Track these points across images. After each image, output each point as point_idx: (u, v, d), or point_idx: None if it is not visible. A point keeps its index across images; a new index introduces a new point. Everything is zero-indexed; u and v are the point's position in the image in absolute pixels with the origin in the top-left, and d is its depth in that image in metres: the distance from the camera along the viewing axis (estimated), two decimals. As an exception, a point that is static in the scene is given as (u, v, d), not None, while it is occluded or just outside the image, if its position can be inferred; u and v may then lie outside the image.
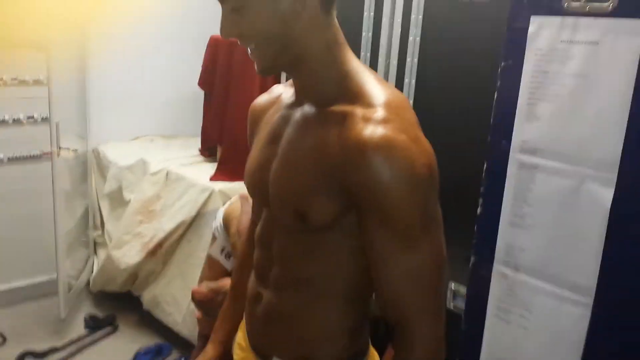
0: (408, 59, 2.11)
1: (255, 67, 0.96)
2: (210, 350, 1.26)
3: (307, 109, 0.98)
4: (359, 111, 0.88)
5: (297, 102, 1.01)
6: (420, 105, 2.04)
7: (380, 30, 2.18)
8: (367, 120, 0.86)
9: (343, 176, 0.87)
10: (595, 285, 1.23)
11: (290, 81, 1.06)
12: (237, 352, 1.20)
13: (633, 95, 1.15)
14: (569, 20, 1.22)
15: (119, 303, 3.13)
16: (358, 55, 2.22)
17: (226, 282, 1.77)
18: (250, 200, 1.84)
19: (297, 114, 0.99)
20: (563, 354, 1.29)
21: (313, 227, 0.93)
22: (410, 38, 2.08)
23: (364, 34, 2.23)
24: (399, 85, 2.13)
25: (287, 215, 0.96)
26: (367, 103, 0.89)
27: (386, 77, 2.19)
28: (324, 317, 1.02)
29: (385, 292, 0.91)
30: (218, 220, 2.18)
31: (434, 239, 0.89)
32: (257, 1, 0.90)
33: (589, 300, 1.24)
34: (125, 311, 3.10)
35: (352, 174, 0.85)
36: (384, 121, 0.85)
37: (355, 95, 0.91)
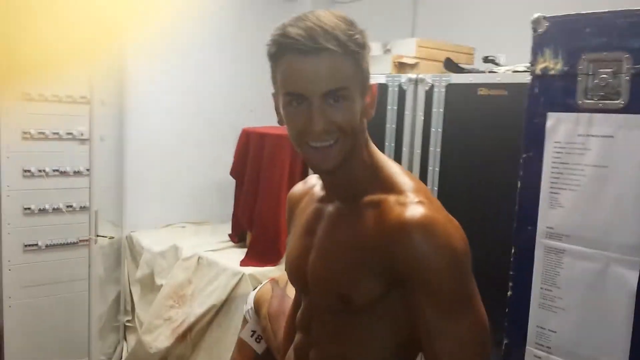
0: (431, 148, 2.23)
1: (323, 164, 0.98)
2: None
3: (339, 203, 1.07)
4: (392, 198, 0.97)
5: (328, 199, 1.09)
6: (444, 191, 2.13)
7: (403, 122, 2.32)
8: (402, 204, 0.95)
9: (385, 256, 0.94)
10: (627, 365, 1.27)
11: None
12: None
13: (649, 183, 1.24)
14: (584, 116, 1.33)
15: (148, 389, 3.13)
16: (383, 144, 2.36)
17: None
18: (281, 284, 1.91)
19: (330, 208, 1.08)
20: None
21: (355, 308, 1.00)
22: (433, 129, 2.22)
23: (387, 125, 2.37)
24: (423, 172, 2.23)
25: (329, 298, 1.03)
26: (398, 190, 0.99)
27: (411, 166, 2.30)
28: None
29: (435, 356, 0.95)
30: (249, 304, 2.23)
31: (476, 309, 0.95)
32: (355, 96, 0.96)
33: (622, 381, 1.28)
34: (155, 398, 3.09)
35: (395, 252, 0.93)
36: (420, 203, 0.95)
37: (385, 186, 1.00)
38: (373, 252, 0.96)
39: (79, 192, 3.15)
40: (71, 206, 3.18)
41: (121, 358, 3.24)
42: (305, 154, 1.00)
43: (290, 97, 0.96)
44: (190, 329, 2.83)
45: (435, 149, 2.22)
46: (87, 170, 2.92)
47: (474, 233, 1.90)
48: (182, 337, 2.84)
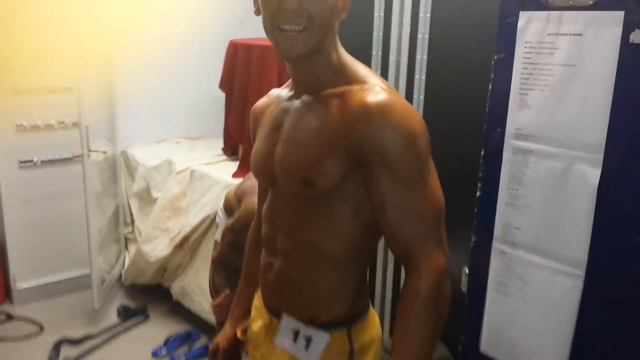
0: (418, 56, 2.21)
1: (289, 50, 1.04)
2: (228, 328, 1.39)
3: (306, 97, 1.12)
4: (356, 87, 1.05)
5: (296, 95, 1.15)
6: (430, 99, 2.14)
7: (390, 30, 2.29)
8: (365, 90, 1.03)
9: (349, 139, 1.02)
10: (586, 258, 1.33)
11: (287, 83, 1.21)
12: (253, 312, 1.33)
13: (615, 81, 1.24)
14: (555, 14, 1.32)
15: (149, 295, 3.30)
16: (370, 53, 2.34)
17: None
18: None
19: (297, 103, 1.14)
20: (558, 323, 1.39)
21: (318, 192, 1.07)
22: (419, 36, 2.19)
23: (374, 33, 2.34)
24: (410, 81, 2.23)
25: (295, 184, 1.09)
26: (361, 82, 1.06)
27: (397, 74, 2.29)
28: (326, 280, 1.15)
29: (391, 231, 1.04)
30: (219, 208, 2.27)
31: (431, 183, 1.03)
32: None
33: (581, 272, 1.34)
34: (156, 302, 3.26)
35: (358, 134, 1.01)
36: (382, 90, 1.02)
37: (350, 80, 1.07)
38: (337, 134, 1.03)
39: (70, 108, 3.16)
40: (63, 122, 3.20)
41: (123, 267, 3.38)
42: (275, 39, 1.05)
43: None
44: (186, 238, 2.93)
45: (422, 56, 2.21)
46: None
47: (457, 139, 1.94)
48: (180, 246, 2.95)
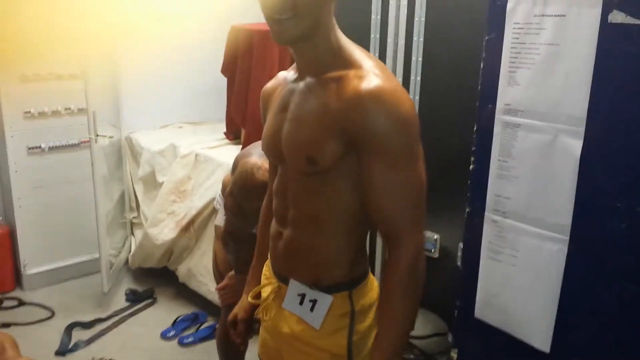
0: (414, 38, 2.30)
1: (279, 36, 1.12)
2: (245, 299, 1.50)
3: (309, 79, 1.21)
4: (352, 72, 1.12)
5: (300, 77, 1.24)
6: (427, 82, 2.23)
7: (388, 13, 2.37)
8: (359, 77, 1.11)
9: (344, 123, 1.11)
10: (570, 224, 1.43)
11: (292, 66, 1.29)
12: (262, 280, 1.44)
13: (595, 58, 1.34)
14: (541, -3, 1.41)
15: (156, 278, 3.40)
16: (368, 36, 2.43)
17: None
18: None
19: (301, 85, 1.23)
20: (545, 285, 1.50)
21: (321, 169, 1.17)
22: (416, 19, 2.28)
23: (373, 16, 2.43)
24: (407, 63, 2.31)
25: (300, 162, 1.19)
26: (357, 67, 1.14)
27: (395, 57, 2.38)
28: (329, 247, 1.26)
29: (376, 209, 1.15)
30: (217, 193, 2.31)
31: (416, 167, 1.13)
32: None
33: (566, 237, 1.44)
34: (163, 285, 3.37)
35: (352, 118, 1.09)
36: (375, 75, 1.10)
37: (348, 64, 1.15)
38: (334, 118, 1.12)
39: (76, 94, 3.24)
40: (69, 108, 3.29)
41: (130, 251, 3.47)
42: (269, 26, 1.13)
43: None
44: (192, 221, 3.03)
45: (418, 38, 2.29)
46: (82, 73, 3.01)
47: (454, 119, 2.03)
48: (185, 229, 3.05)
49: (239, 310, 1.51)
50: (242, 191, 1.73)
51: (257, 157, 1.71)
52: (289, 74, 1.31)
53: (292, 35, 1.12)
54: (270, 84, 1.38)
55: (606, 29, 1.31)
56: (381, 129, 1.08)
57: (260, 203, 1.54)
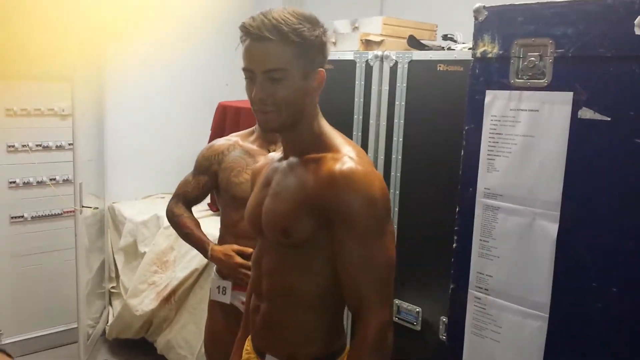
0: (395, 120, 2.43)
1: (263, 125, 1.25)
2: None
3: (292, 159, 1.33)
4: (329, 155, 1.24)
5: (285, 157, 1.36)
6: (407, 160, 2.35)
7: (370, 96, 2.51)
8: (335, 159, 1.22)
9: (318, 200, 1.21)
10: (549, 302, 1.53)
11: (279, 147, 1.41)
12: (243, 356, 1.49)
13: (567, 149, 1.47)
14: (516, 93, 1.56)
15: (133, 350, 3.35)
16: (352, 117, 2.55)
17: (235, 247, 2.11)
18: None
19: (284, 164, 1.35)
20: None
21: (295, 242, 1.26)
22: (397, 103, 2.42)
23: (356, 99, 2.56)
24: (389, 143, 2.43)
25: (276, 233, 1.28)
26: (335, 150, 1.26)
27: (377, 137, 2.50)
28: (304, 322, 1.32)
29: (345, 284, 1.22)
30: (213, 271, 2.36)
31: (384, 244, 1.22)
32: (294, 78, 1.22)
33: (546, 314, 1.53)
34: (140, 356, 3.32)
35: (325, 196, 1.20)
36: (348, 159, 1.22)
37: (327, 147, 1.27)
38: (309, 196, 1.23)
39: (61, 165, 3.29)
40: (54, 179, 3.32)
41: (107, 322, 3.43)
42: (255, 115, 1.26)
43: (246, 72, 1.23)
44: (174, 292, 3.03)
45: (399, 120, 2.43)
46: (70, 144, 3.08)
47: (432, 197, 2.13)
48: (166, 299, 3.05)
49: None
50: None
51: None
52: (276, 154, 1.43)
53: (275, 126, 1.25)
54: (259, 163, 1.51)
55: (576, 124, 1.45)
56: (351, 206, 1.18)
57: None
